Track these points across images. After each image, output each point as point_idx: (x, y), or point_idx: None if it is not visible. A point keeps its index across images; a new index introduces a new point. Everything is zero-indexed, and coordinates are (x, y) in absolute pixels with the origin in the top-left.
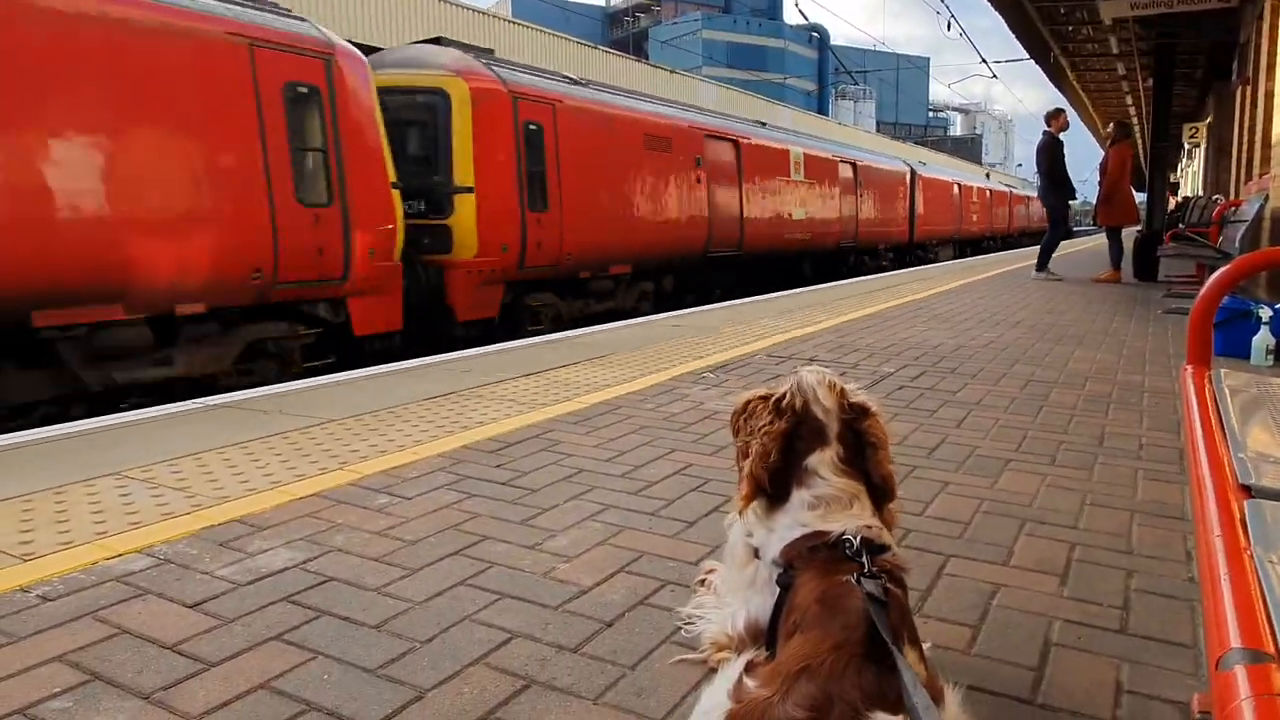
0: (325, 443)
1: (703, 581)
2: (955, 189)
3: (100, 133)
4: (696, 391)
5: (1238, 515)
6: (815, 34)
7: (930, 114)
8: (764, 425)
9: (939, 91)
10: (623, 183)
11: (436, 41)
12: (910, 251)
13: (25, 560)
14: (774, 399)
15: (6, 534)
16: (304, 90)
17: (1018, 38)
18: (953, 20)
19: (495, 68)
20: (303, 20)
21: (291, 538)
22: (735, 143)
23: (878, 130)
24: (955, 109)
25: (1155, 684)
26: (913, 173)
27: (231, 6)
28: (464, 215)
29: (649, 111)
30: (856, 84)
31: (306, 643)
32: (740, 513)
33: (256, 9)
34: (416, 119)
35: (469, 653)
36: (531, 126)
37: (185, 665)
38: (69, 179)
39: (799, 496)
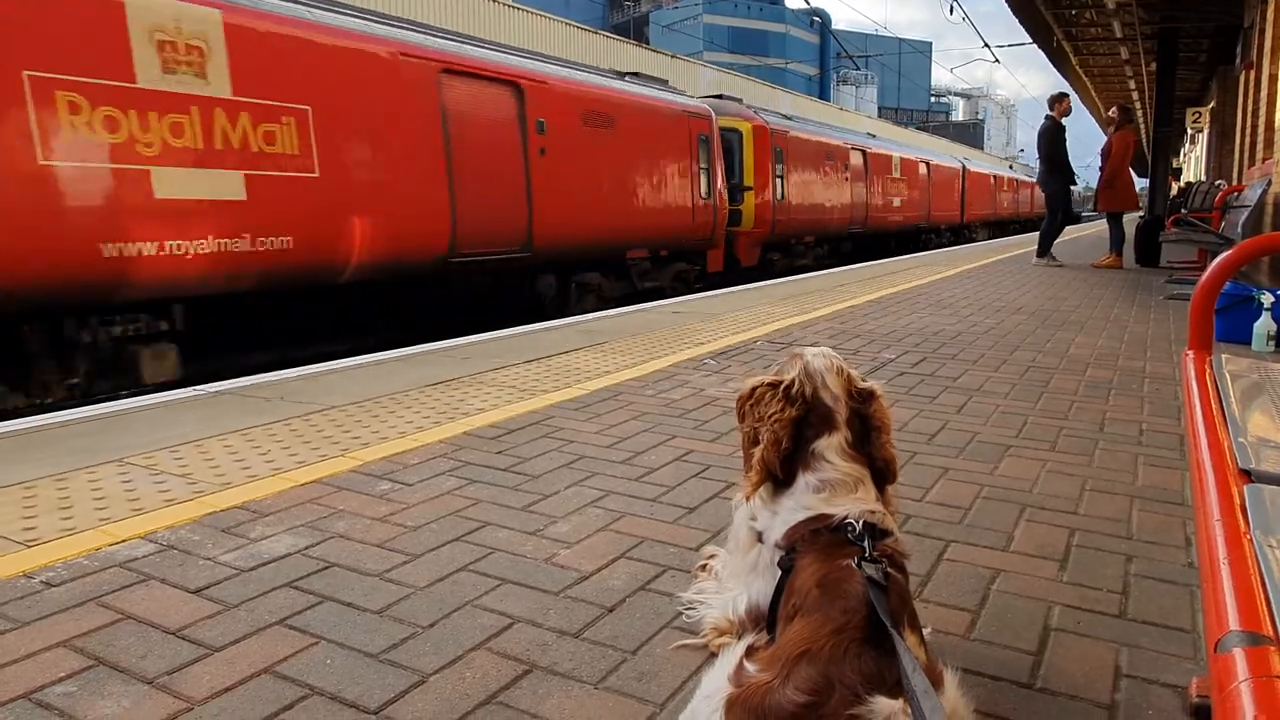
0: (327, 429)
1: (703, 567)
2: (991, 179)
3: (643, 167)
4: (697, 378)
5: (1237, 500)
6: (816, 18)
7: (932, 99)
8: (774, 412)
9: (941, 76)
10: (814, 183)
11: (719, 97)
12: (961, 230)
13: (29, 546)
14: (783, 385)
15: (10, 520)
16: (703, 137)
17: (1020, 21)
18: (955, 4)
19: (760, 112)
20: (689, 95)
21: (294, 524)
22: (864, 152)
23: (879, 116)
24: (957, 94)
25: (1154, 668)
26: (964, 168)
27: (680, 97)
28: (748, 204)
29: (825, 135)
30: (858, 69)
31: (309, 628)
32: (748, 498)
33: (685, 96)
34: (725, 146)
35: (471, 638)
36: (777, 148)
37: (189, 650)
38: (642, 191)
39: (805, 480)
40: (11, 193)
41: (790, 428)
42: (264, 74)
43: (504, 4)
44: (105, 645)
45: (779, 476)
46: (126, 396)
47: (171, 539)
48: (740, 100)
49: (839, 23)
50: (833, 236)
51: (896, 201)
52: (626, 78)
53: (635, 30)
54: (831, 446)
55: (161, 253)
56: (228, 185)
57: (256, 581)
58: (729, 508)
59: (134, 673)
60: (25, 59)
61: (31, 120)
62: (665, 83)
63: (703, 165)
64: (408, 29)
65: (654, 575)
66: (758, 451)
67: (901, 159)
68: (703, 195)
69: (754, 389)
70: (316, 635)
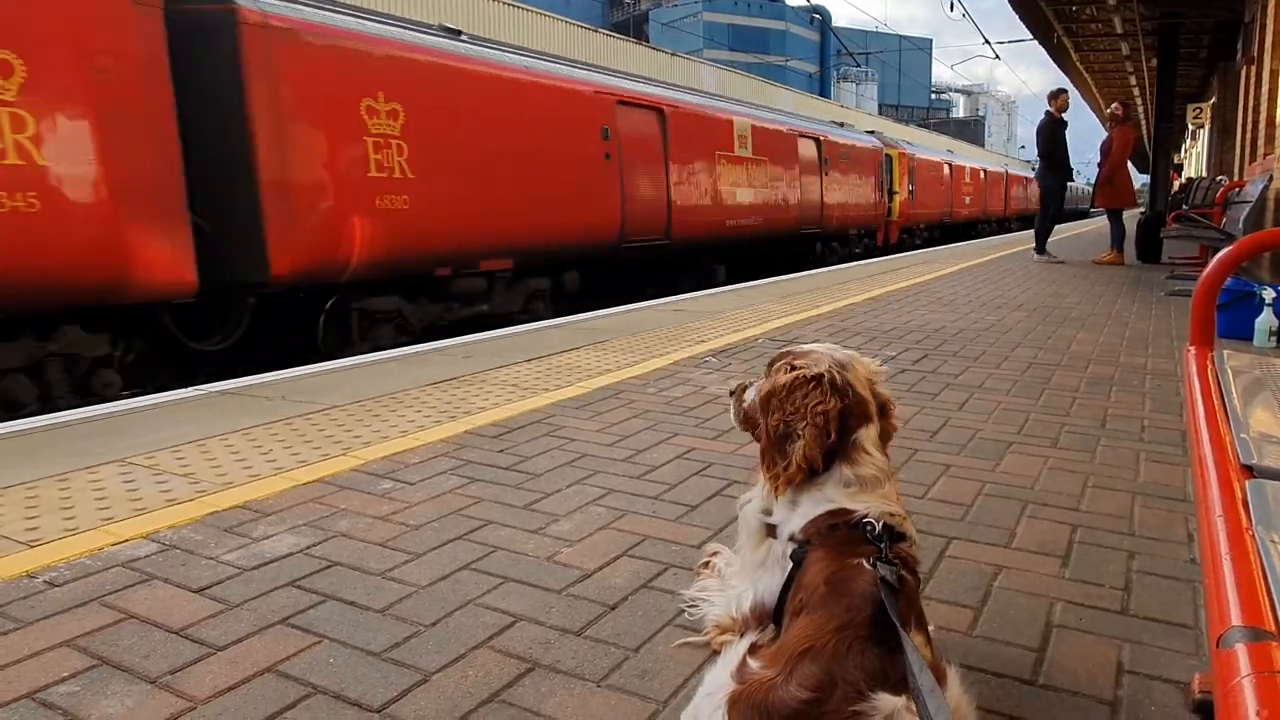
0: (328, 429)
1: (706, 564)
2: (1025, 180)
3: (861, 181)
4: (698, 376)
5: (1239, 495)
6: (816, 15)
7: (933, 96)
8: (818, 403)
9: (941, 73)
10: (927, 188)
11: (871, 133)
12: (1005, 221)
13: (32, 546)
14: (825, 377)
15: (13, 521)
16: (879, 161)
17: (1020, 18)
18: (955, 0)
19: (901, 144)
20: (875, 134)
21: (296, 523)
22: (950, 165)
23: (880, 113)
24: (958, 91)
25: (1156, 664)
26: (1007, 172)
27: (871, 138)
28: (895, 203)
29: (931, 155)
30: (858, 66)
31: (312, 627)
32: (779, 493)
33: (873, 136)
34: (886, 166)
35: (473, 636)
36: (910, 167)
37: (192, 649)
38: (858, 194)
39: (840, 474)
40: (717, 199)
41: (837, 419)
42: (758, 146)
43: (504, 2)
44: (108, 645)
45: (819, 470)
46: (129, 397)
47: (174, 538)
48: (883, 133)
49: (839, 19)
50: (934, 225)
51: (967, 199)
52: (843, 127)
53: (635, 28)
54: (870, 438)
55: (735, 227)
56: (748, 195)
57: (259, 581)
58: (731, 505)
59: (137, 672)
60: (715, 146)
61: (716, 171)
62: (852, 126)
63: (880, 179)
64: (793, 117)
65: (656, 573)
66: (798, 445)
67: (970, 168)
68: (879, 197)
69: (791, 381)
70: (319, 634)
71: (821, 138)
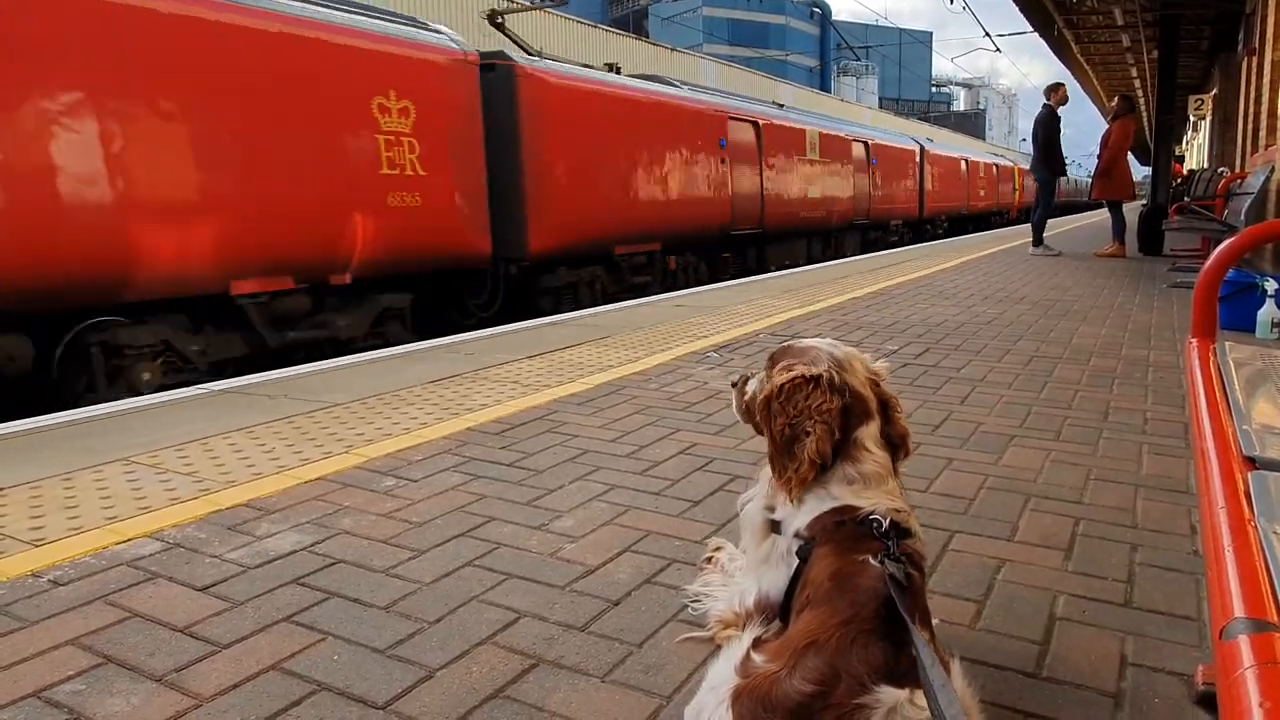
0: (331, 427)
1: (709, 559)
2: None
3: (1001, 183)
4: (700, 371)
5: (1241, 487)
6: (817, 9)
7: (933, 89)
8: (819, 404)
9: (942, 66)
10: (1028, 185)
11: (1001, 156)
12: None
13: (36, 546)
14: (824, 377)
15: (17, 520)
16: (1013, 173)
17: (1021, 10)
18: None
19: (1019, 162)
20: (1002, 156)
21: (299, 521)
22: (1000, 167)
23: (880, 107)
24: (959, 84)
25: (1160, 656)
26: None
27: (1008, 159)
28: (1016, 196)
29: (1018, 164)
30: (859, 60)
31: (316, 624)
32: (792, 496)
33: (1004, 158)
34: (1010, 176)
35: (477, 632)
36: (1023, 174)
37: (197, 647)
38: (1005, 190)
39: (842, 471)
40: (978, 197)
41: (839, 418)
42: (983, 170)
43: None
44: (113, 643)
45: (828, 465)
46: (132, 396)
47: (178, 537)
48: (1005, 155)
49: (839, 13)
50: (1025, 209)
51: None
52: (999, 156)
53: (635, 23)
54: (870, 435)
55: (980, 207)
56: (983, 194)
57: (263, 578)
58: (734, 500)
59: (142, 670)
60: (976, 174)
61: (984, 183)
62: (996, 155)
63: (1012, 183)
64: (986, 154)
65: (659, 568)
66: (810, 444)
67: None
68: (1012, 192)
69: (790, 382)
70: (324, 631)
71: (997, 165)
